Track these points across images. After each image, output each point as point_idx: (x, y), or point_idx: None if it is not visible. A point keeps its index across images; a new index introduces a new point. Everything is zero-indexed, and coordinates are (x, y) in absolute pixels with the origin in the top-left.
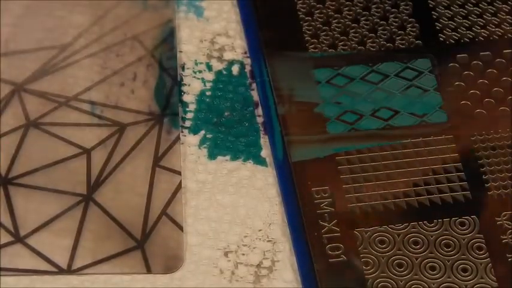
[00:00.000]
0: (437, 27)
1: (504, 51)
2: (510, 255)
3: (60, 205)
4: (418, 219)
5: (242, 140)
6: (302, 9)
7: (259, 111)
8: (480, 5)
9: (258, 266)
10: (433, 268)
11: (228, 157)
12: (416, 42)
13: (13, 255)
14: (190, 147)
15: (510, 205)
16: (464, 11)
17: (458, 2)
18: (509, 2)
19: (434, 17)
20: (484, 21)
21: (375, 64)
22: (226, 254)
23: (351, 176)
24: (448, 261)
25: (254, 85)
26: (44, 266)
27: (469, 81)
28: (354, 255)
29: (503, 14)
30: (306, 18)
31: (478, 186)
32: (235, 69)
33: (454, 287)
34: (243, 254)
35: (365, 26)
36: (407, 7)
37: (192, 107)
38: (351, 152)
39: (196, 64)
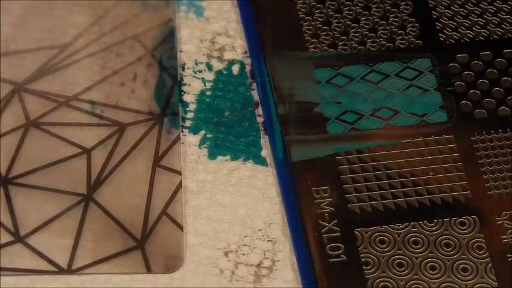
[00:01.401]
0: (437, 27)
1: (504, 51)
2: (510, 255)
3: (60, 205)
4: (418, 219)
5: (242, 139)
6: (302, 9)
7: (260, 111)
8: (480, 5)
9: (258, 265)
10: (433, 268)
11: (228, 157)
12: (417, 42)
13: (13, 255)
14: (191, 147)
15: (510, 205)
16: (464, 11)
17: (458, 2)
18: (509, 2)
19: (434, 17)
20: (484, 21)
21: (375, 64)
22: (226, 254)
23: (351, 176)
24: (448, 261)
25: (254, 85)
26: (44, 265)
27: (469, 81)
28: (354, 255)
29: (503, 14)
30: (306, 18)
31: (478, 186)
32: (235, 69)
33: (454, 287)
34: (243, 254)
35: (365, 26)
36: (407, 7)
37: (192, 106)
38: (351, 152)
39: (196, 64)
